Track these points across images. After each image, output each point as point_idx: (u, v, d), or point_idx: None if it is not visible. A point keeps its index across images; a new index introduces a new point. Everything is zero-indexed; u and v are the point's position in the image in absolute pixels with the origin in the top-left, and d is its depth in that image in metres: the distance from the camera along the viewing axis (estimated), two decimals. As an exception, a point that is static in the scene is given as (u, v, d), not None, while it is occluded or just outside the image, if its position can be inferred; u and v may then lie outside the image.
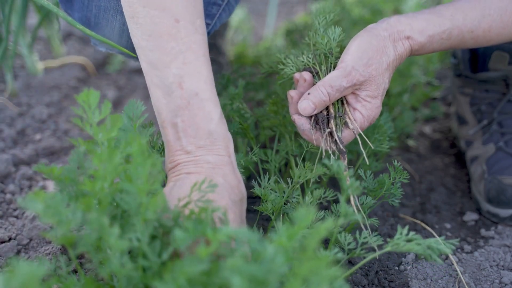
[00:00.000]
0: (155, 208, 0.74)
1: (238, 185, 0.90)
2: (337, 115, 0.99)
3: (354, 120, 0.99)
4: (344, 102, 1.00)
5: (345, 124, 0.99)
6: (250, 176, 1.34)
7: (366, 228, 0.96)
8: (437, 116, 1.80)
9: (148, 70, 0.92)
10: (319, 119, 0.99)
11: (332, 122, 0.98)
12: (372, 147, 1.04)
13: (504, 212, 1.25)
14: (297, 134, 1.20)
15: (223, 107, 1.20)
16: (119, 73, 2.08)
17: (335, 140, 0.97)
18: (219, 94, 1.36)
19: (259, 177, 1.04)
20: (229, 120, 1.22)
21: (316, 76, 1.03)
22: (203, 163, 0.88)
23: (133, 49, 1.15)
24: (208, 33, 1.18)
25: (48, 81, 1.89)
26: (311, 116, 0.99)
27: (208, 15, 1.15)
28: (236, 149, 1.24)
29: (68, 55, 2.09)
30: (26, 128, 1.61)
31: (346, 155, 0.96)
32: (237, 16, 2.47)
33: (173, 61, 0.89)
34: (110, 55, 2.15)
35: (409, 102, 1.74)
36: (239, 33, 2.47)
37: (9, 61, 1.69)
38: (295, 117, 1.00)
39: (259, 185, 1.03)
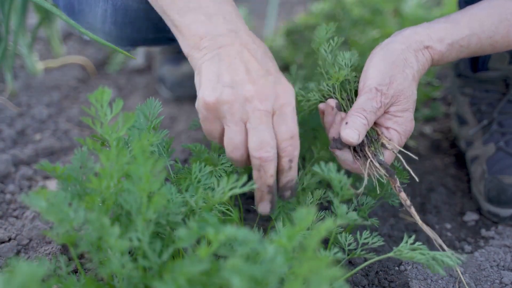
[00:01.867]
0: (156, 208, 0.73)
1: (254, 39, 0.90)
2: (373, 139, 0.97)
3: (390, 139, 0.97)
4: (373, 125, 0.99)
5: (383, 145, 0.97)
6: (250, 176, 1.33)
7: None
8: (437, 116, 1.80)
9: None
10: (356, 148, 0.97)
11: (366, 148, 0.96)
12: (417, 158, 1.02)
13: (504, 212, 1.25)
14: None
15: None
16: (119, 73, 2.08)
17: (378, 164, 0.95)
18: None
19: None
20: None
21: (341, 105, 1.02)
22: (226, 33, 0.88)
23: (116, 37, 1.15)
24: None
25: (48, 81, 1.89)
26: (349, 147, 0.97)
27: None
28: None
29: (68, 55, 2.09)
30: (26, 128, 1.61)
31: (395, 176, 0.95)
32: (237, 16, 2.47)
33: None
34: (110, 55, 2.15)
35: (409, 102, 1.73)
36: (239, 33, 2.46)
37: (9, 61, 1.69)
38: (337, 152, 0.97)
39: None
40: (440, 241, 0.92)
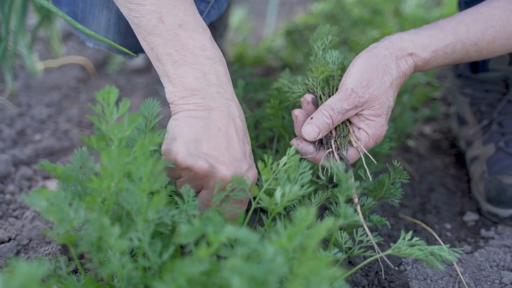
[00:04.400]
0: (156, 208, 0.73)
1: (241, 113, 0.93)
2: (342, 135, 0.99)
3: (358, 139, 0.98)
4: (347, 122, 1.00)
5: (350, 143, 0.99)
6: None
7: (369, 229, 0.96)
8: (437, 117, 1.80)
9: (127, 14, 0.93)
10: (323, 140, 0.99)
11: (332, 141, 0.98)
12: (375, 163, 1.03)
13: (504, 212, 1.25)
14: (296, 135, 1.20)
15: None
16: (119, 73, 2.08)
17: (340, 158, 0.96)
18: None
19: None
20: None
21: (319, 100, 1.03)
22: (217, 96, 0.90)
23: (120, 45, 1.15)
24: None
25: (47, 81, 1.89)
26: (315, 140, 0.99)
27: None
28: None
29: (68, 55, 2.09)
30: (26, 129, 1.61)
31: (352, 173, 0.96)
32: (237, 16, 2.47)
33: None
34: (110, 55, 2.15)
35: (409, 103, 1.74)
36: (239, 33, 2.47)
37: (8, 61, 1.69)
38: (298, 146, 0.99)
39: (256, 184, 1.02)
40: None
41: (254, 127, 1.32)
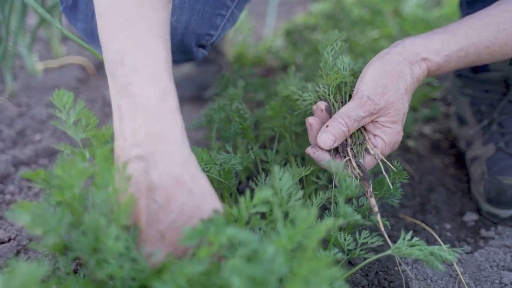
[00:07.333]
0: (127, 213, 0.72)
1: (191, 181, 0.79)
2: (358, 142, 0.98)
3: (375, 146, 0.98)
4: (363, 129, 1.00)
5: (366, 150, 0.98)
6: (250, 177, 1.34)
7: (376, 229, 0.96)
8: (437, 117, 1.80)
9: (102, 52, 0.85)
10: (339, 148, 0.98)
11: (349, 149, 0.97)
12: (395, 170, 1.02)
13: (504, 213, 1.24)
14: (297, 135, 1.20)
15: (223, 107, 1.21)
16: (119, 73, 2.07)
17: (358, 166, 0.96)
18: (218, 94, 1.36)
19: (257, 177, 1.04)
20: (229, 121, 1.22)
21: (332, 107, 1.03)
22: (127, 151, 0.78)
23: None
24: (213, 43, 1.19)
25: (47, 81, 1.89)
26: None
27: (212, 26, 1.15)
28: (235, 149, 1.24)
29: (68, 56, 2.09)
30: (26, 129, 1.61)
31: (370, 181, 0.95)
32: (237, 16, 2.47)
33: (117, 35, 0.81)
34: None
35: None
36: (239, 33, 2.47)
37: (8, 61, 1.69)
38: (314, 154, 0.98)
39: (256, 184, 1.02)
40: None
41: (254, 126, 1.32)
